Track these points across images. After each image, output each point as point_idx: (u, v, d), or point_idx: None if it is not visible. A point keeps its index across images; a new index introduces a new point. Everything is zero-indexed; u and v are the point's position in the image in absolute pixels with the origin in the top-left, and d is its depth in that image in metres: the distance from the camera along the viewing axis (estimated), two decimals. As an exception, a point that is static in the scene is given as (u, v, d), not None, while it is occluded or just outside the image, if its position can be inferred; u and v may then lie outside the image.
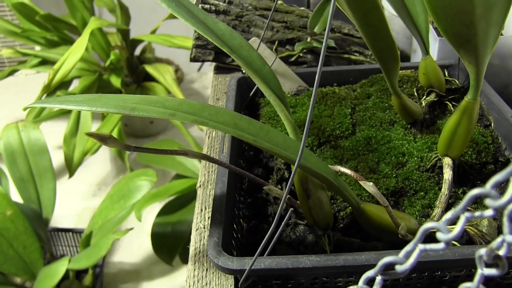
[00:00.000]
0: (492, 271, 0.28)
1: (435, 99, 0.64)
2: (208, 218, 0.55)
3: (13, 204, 1.16)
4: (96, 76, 1.61)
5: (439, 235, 0.26)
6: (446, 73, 0.70)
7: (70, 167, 1.45)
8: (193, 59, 0.78)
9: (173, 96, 1.74)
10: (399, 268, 0.28)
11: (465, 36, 0.43)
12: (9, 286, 1.24)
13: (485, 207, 0.52)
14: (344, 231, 0.51)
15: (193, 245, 0.53)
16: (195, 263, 0.51)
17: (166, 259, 1.29)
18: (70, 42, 1.65)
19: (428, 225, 0.27)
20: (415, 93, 0.65)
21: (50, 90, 1.40)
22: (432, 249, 0.27)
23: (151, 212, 1.57)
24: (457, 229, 0.26)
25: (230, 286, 0.48)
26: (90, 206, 1.75)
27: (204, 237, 0.54)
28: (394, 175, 0.55)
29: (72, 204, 1.76)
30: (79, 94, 0.43)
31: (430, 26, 0.76)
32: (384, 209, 0.46)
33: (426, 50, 0.63)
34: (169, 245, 1.28)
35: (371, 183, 0.44)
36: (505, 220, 0.29)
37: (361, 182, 0.44)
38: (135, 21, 1.78)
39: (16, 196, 1.27)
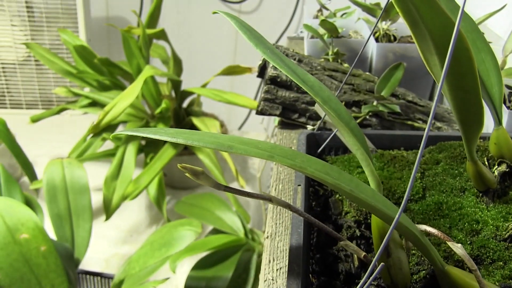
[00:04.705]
0: None
1: (506, 170, 0.63)
2: (277, 270, 0.55)
3: (48, 240, 1.16)
4: (143, 123, 1.64)
5: None
6: (516, 146, 0.69)
7: (108, 210, 1.46)
8: (260, 112, 0.80)
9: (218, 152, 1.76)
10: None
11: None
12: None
13: None
14: (420, 295, 0.50)
15: (261, 296, 0.52)
16: (263, 314, 0.49)
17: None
18: (121, 87, 1.70)
19: None
20: (486, 162, 0.65)
21: (98, 131, 1.43)
22: None
23: (181, 266, 1.54)
24: None
25: None
26: (119, 253, 1.74)
27: (271, 288, 0.53)
28: (468, 242, 0.54)
29: (102, 249, 1.75)
30: (169, 128, 0.44)
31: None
32: (469, 274, 0.45)
33: (499, 121, 0.63)
34: (202, 302, 1.25)
35: (460, 245, 0.43)
36: None
37: (449, 243, 0.43)
38: (183, 74, 1.84)
39: (50, 232, 1.26)
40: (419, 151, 0.35)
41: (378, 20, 0.60)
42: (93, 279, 1.41)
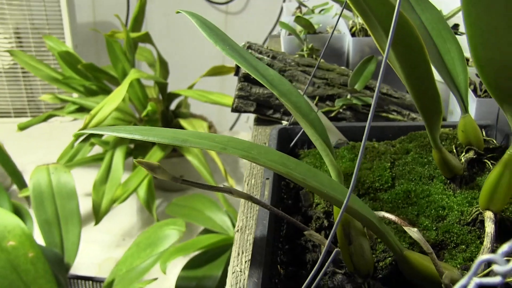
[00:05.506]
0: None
1: (474, 157, 0.64)
2: (245, 262, 0.55)
3: (36, 246, 1.16)
4: (130, 126, 1.65)
5: (495, 267, 0.26)
6: (484, 133, 0.70)
7: (97, 214, 1.47)
8: (235, 109, 0.80)
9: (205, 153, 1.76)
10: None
11: (509, 91, 0.44)
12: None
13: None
14: (384, 282, 0.51)
15: None
16: (231, 305, 0.50)
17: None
18: (108, 92, 1.71)
19: (484, 256, 0.27)
20: (454, 150, 0.66)
21: (84, 135, 1.44)
22: (488, 283, 0.27)
23: (174, 267, 1.55)
24: (517, 261, 0.26)
25: (267, 329, 0.48)
26: (113, 257, 1.75)
27: (240, 281, 0.53)
28: (434, 228, 0.55)
29: (94, 253, 1.75)
30: (130, 126, 0.45)
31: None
32: (427, 257, 0.46)
33: (465, 109, 0.64)
34: (193, 301, 1.26)
35: (416, 229, 0.44)
36: None
37: (406, 228, 0.44)
38: (172, 76, 1.85)
39: (39, 239, 1.27)
40: (363, 140, 0.36)
41: (342, 9, 0.61)
42: (84, 283, 1.41)
